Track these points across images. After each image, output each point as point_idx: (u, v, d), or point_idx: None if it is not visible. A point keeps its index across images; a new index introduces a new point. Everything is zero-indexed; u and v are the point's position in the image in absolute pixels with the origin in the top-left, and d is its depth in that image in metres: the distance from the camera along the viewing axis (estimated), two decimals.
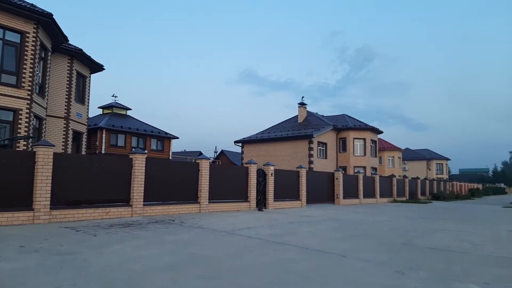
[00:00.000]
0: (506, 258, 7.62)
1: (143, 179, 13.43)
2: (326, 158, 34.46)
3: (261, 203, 18.28)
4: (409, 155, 65.75)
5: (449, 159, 71.45)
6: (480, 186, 62.16)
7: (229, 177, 17.31)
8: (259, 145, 35.81)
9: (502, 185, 77.77)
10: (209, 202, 15.73)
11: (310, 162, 31.84)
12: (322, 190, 23.63)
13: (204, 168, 15.69)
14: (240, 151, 38.73)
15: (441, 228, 12.90)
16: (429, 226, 13.51)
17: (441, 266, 6.80)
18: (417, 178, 38.65)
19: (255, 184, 18.14)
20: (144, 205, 13.38)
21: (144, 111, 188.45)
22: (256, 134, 38.26)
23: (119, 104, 41.05)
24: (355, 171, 32.97)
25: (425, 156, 68.12)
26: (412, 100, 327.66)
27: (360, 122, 38.67)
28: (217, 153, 63.94)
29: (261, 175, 18.70)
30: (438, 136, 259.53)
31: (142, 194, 13.34)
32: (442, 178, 60.52)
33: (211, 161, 16.95)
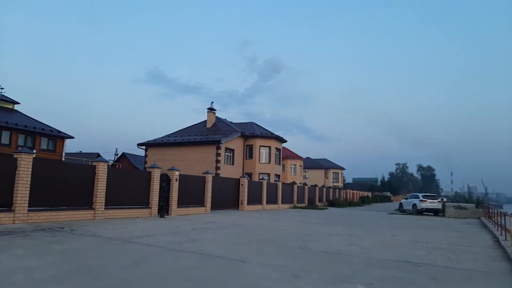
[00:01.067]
0: (389, 260, 8.39)
1: (29, 182, 12.04)
2: (233, 164, 34.83)
3: (164, 210, 17.68)
4: (310, 164, 69.79)
5: (344, 169, 77.58)
6: (370, 194, 68.46)
7: (130, 181, 16.42)
8: (165, 149, 34.79)
9: (389, 193, 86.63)
10: (105, 208, 14.70)
11: (217, 168, 31.87)
12: (227, 196, 23.75)
13: (101, 172, 14.64)
14: (143, 155, 37.18)
15: (334, 232, 13.81)
16: (324, 230, 14.37)
17: (333, 268, 7.23)
18: (316, 185, 41.14)
19: (158, 190, 17.50)
20: (29, 210, 11.98)
21: (37, 107, 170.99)
22: (162, 137, 37.14)
23: (5, 96, 36.54)
24: (260, 177, 33.87)
25: (324, 165, 72.98)
26: (314, 112, 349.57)
27: (267, 130, 39.96)
28: (118, 156, 60.50)
29: (165, 180, 18.11)
30: (335, 147, 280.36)
31: (27, 198, 11.94)
32: (338, 186, 65.39)
33: (110, 164, 15.90)
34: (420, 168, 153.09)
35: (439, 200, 31.18)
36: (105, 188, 14.69)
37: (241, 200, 24.72)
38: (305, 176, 63.61)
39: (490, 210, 21.62)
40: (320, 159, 77.38)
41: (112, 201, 15.06)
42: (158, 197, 17.47)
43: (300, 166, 55.01)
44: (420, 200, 29.75)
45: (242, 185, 24.88)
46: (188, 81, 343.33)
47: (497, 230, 15.43)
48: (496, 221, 16.93)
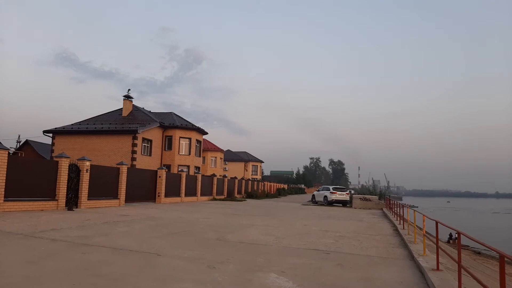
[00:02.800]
0: (301, 249, 8.82)
1: None
2: (150, 155, 33.67)
3: (72, 202, 16.50)
4: (230, 157, 70.31)
5: (263, 162, 79.59)
6: (286, 186, 71.18)
7: (34, 171, 15.02)
8: (75, 138, 32.38)
9: (303, 185, 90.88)
10: (5, 201, 13.30)
11: (133, 159, 30.55)
12: (144, 188, 22.94)
13: (1, 160, 13.18)
14: (50, 143, 34.22)
15: (251, 223, 14.12)
16: (242, 222, 14.62)
17: (248, 258, 7.39)
18: (235, 178, 41.63)
19: (66, 181, 16.27)
20: None
21: None
22: (72, 124, 34.49)
23: None
24: (179, 169, 33.24)
25: (244, 158, 74.06)
26: (235, 105, 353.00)
27: (187, 121, 39.26)
28: (21, 143, 54.94)
29: (74, 171, 16.89)
30: (255, 140, 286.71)
31: None
32: (257, 178, 66.89)
33: (11, 152, 14.39)
34: (331, 162, 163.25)
35: (347, 192, 33.51)
36: (4, 178, 13.27)
37: (158, 193, 24.06)
38: (225, 168, 63.97)
39: (391, 202, 23.82)
40: (240, 152, 78.33)
41: (11, 193, 13.66)
42: (66, 189, 16.25)
43: (221, 158, 55.16)
44: (330, 192, 31.71)
45: (159, 177, 24.22)
46: (102, 65, 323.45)
47: (396, 220, 17.05)
48: (395, 211, 18.70)
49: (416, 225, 11.03)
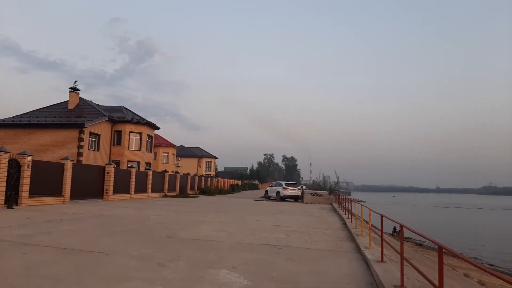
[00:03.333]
0: (253, 244, 8.87)
1: None
2: (98, 150, 32.32)
3: (12, 200, 15.48)
4: (183, 152, 69.22)
5: (217, 158, 79.17)
6: (239, 182, 71.33)
7: None
8: (17, 131, 30.34)
9: (257, 181, 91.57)
10: None
11: (80, 154, 29.16)
12: (91, 185, 21.98)
13: None
14: None
15: (204, 220, 14.00)
16: (194, 218, 14.45)
17: (200, 255, 7.31)
18: (188, 174, 41.06)
19: (5, 177, 15.22)
20: None
21: None
22: (13, 117, 32.30)
23: None
24: (129, 165, 32.20)
25: (197, 154, 73.23)
26: (189, 100, 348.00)
27: (138, 116, 38.10)
28: None
29: (15, 167, 15.83)
30: (209, 136, 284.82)
31: None
32: (210, 174, 66.44)
33: None
34: (284, 158, 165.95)
35: (299, 188, 34.21)
36: None
37: (107, 189, 23.18)
38: (177, 164, 62.90)
39: (340, 197, 24.63)
40: (194, 147, 77.34)
41: None
42: (5, 185, 15.20)
43: (173, 154, 54.15)
44: (283, 188, 32.20)
45: (107, 173, 23.33)
46: (47, 55, 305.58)
47: (345, 214, 17.66)
48: (344, 206, 19.36)
49: (363, 219, 11.49)
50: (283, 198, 31.90)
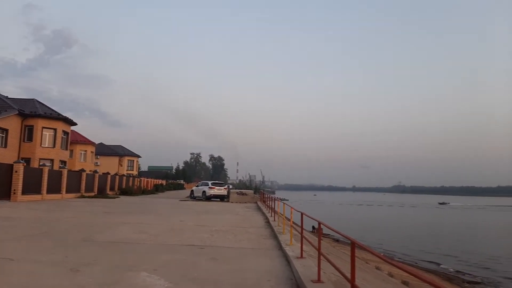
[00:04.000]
0: (176, 245, 8.69)
1: None
2: (5, 147, 29.29)
3: None
4: (103, 150, 65.57)
5: (140, 156, 76.26)
6: (164, 182, 69.44)
7: None
8: None
9: (182, 181, 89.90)
10: None
11: None
12: None
13: None
14: None
15: (123, 221, 13.38)
16: (113, 220, 13.77)
17: (118, 258, 6.98)
18: (108, 173, 39.00)
19: None
20: None
21: None
22: None
23: None
24: (41, 163, 29.66)
25: (119, 152, 69.84)
26: (110, 96, 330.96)
27: (52, 110, 35.26)
28: None
29: None
30: (131, 134, 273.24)
31: None
32: (132, 174, 63.83)
33: None
34: (212, 158, 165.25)
35: (225, 187, 34.31)
36: None
37: (14, 190, 21.12)
38: (96, 163, 59.45)
39: (265, 196, 25.17)
40: (115, 145, 73.62)
41: None
42: None
43: (92, 152, 51.06)
44: (209, 187, 32.03)
45: (16, 171, 21.28)
46: None
47: (269, 212, 18.08)
48: (268, 204, 19.82)
49: (286, 217, 11.85)
50: (209, 198, 31.74)
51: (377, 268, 15.90)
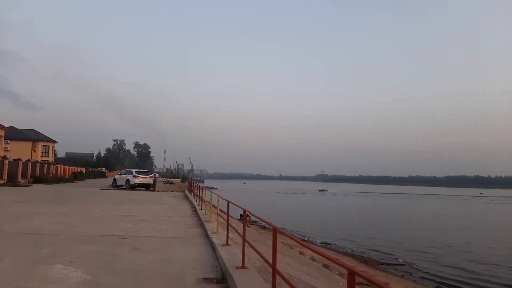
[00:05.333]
0: (95, 236, 8.27)
1: None
2: None
3: None
4: (14, 135, 59.82)
5: (57, 142, 70.89)
6: (84, 170, 65.42)
7: None
8: None
9: (104, 169, 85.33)
10: None
11: None
12: None
13: None
14: None
15: (37, 211, 12.41)
16: (25, 210, 12.72)
17: (30, 250, 6.48)
18: (19, 160, 35.81)
19: None
20: None
21: None
22: None
23: None
24: None
25: (32, 137, 64.21)
26: (22, 75, 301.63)
27: None
28: None
29: None
30: (47, 118, 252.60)
31: None
32: (48, 161, 59.25)
33: None
34: (137, 145, 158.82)
35: (151, 175, 33.36)
36: None
37: None
38: (6, 148, 54.21)
39: (193, 184, 24.93)
40: (28, 129, 67.53)
41: None
42: None
43: (1, 136, 46.42)
44: (133, 176, 30.88)
45: None
46: None
47: (196, 201, 17.96)
48: (196, 193, 19.67)
49: (213, 205, 11.87)
50: (133, 187, 30.61)
51: (301, 253, 16.66)
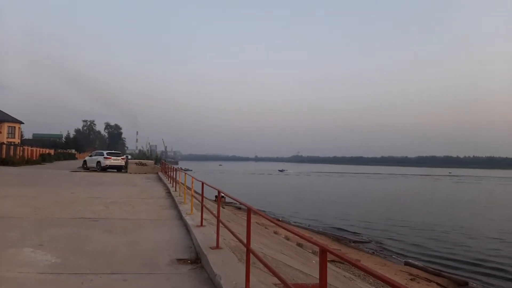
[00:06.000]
0: (65, 218, 8.08)
1: None
2: None
3: None
4: None
5: (23, 123, 68.32)
6: (52, 151, 63.50)
7: None
8: None
9: (74, 151, 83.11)
10: None
11: None
12: None
13: None
14: None
15: (4, 194, 11.96)
16: None
17: None
18: None
19: None
20: None
21: None
22: None
23: None
24: None
25: None
26: None
27: None
28: None
29: None
30: (12, 97, 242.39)
31: None
32: (14, 142, 57.10)
33: None
34: (107, 126, 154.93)
35: (123, 157, 32.72)
36: None
37: None
38: None
39: (166, 166, 24.66)
40: None
41: None
42: None
43: None
44: (104, 158, 30.20)
45: None
46: None
47: (170, 183, 17.80)
48: (170, 175, 19.48)
49: (187, 186, 11.79)
50: (105, 169, 29.98)
51: (275, 233, 16.92)
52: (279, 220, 30.25)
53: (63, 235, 6.42)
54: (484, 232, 25.61)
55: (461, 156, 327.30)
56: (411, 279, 15.90)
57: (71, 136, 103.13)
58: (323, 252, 2.33)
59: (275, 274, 3.10)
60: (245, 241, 3.99)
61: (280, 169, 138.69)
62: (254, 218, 5.38)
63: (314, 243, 2.56)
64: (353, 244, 22.26)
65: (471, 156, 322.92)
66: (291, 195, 47.81)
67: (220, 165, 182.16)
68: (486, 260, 18.95)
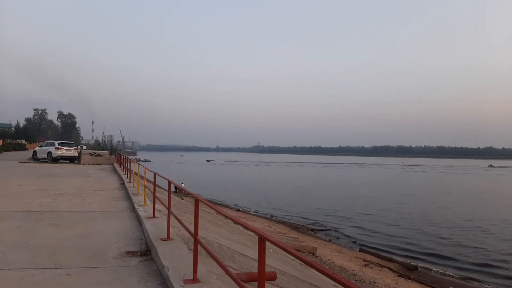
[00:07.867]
0: (9, 211, 7.67)
1: None
2: None
3: None
4: None
5: None
6: (0, 141, 59.98)
7: None
8: None
9: (24, 141, 78.90)
10: None
11: None
12: None
13: None
14: None
15: None
16: None
17: None
18: None
19: None
20: None
21: None
22: None
23: None
24: None
25: None
26: None
27: None
28: None
29: None
30: None
31: None
32: None
33: None
34: (60, 115, 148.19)
35: (76, 147, 31.45)
36: None
37: None
38: None
39: (122, 157, 23.97)
40: None
41: None
42: None
43: None
44: (56, 148, 28.87)
45: None
46: None
47: (125, 174, 17.34)
48: (125, 165, 18.96)
49: (141, 176, 11.53)
50: (56, 160, 28.68)
51: (235, 222, 16.96)
52: (238, 210, 30.42)
53: (6, 229, 6.10)
54: (433, 219, 27.16)
55: (413, 146, 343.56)
56: (364, 265, 16.57)
57: (21, 125, 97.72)
58: (261, 240, 2.36)
59: (218, 263, 3.10)
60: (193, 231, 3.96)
61: (208, 159, 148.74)
62: (210, 209, 5.31)
63: (252, 231, 2.58)
64: (311, 232, 22.81)
65: (423, 146, 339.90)
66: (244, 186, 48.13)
67: (182, 155, 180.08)
68: (432, 243, 20.16)
